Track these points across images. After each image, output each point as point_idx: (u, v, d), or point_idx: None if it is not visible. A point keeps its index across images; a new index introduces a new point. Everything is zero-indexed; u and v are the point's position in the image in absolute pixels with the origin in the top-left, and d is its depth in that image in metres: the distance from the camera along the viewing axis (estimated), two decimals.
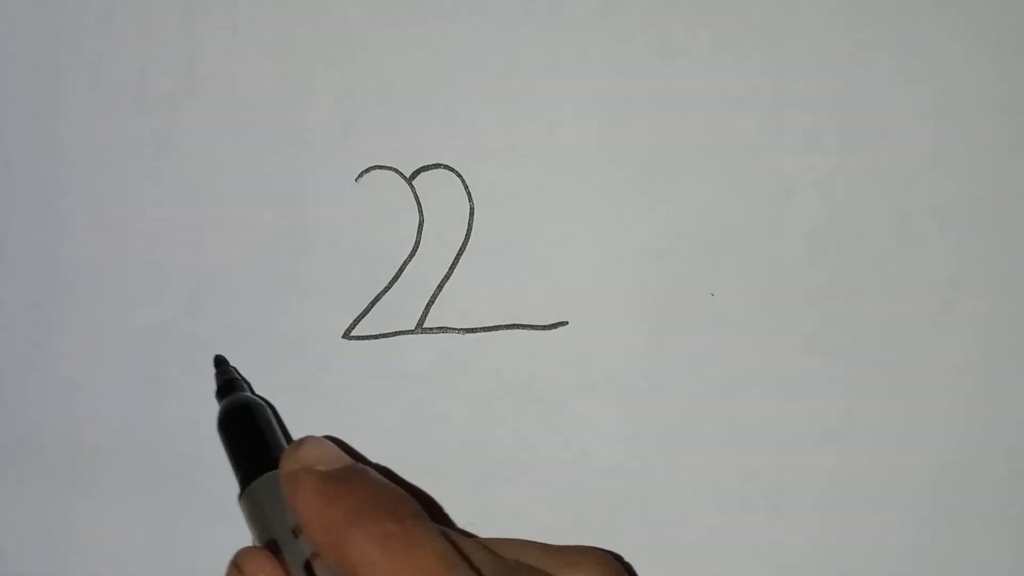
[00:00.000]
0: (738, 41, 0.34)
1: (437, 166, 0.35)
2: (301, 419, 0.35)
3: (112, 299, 0.35)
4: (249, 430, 0.32)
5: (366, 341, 0.35)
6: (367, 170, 0.35)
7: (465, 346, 0.34)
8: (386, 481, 0.28)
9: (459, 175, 0.34)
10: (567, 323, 0.34)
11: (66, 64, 0.36)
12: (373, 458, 0.34)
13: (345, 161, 0.35)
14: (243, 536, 0.35)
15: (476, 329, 0.34)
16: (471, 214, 0.35)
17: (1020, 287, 0.33)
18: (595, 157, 0.34)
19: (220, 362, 0.34)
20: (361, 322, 0.35)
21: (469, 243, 0.34)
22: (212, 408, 0.35)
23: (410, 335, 0.35)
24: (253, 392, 0.34)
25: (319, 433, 0.34)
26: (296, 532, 0.28)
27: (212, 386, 0.34)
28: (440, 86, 0.35)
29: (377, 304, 0.35)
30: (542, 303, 0.34)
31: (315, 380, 0.35)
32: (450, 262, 0.35)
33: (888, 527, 0.33)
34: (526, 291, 0.34)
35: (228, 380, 0.33)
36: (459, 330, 0.34)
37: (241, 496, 0.30)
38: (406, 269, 0.35)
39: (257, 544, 0.29)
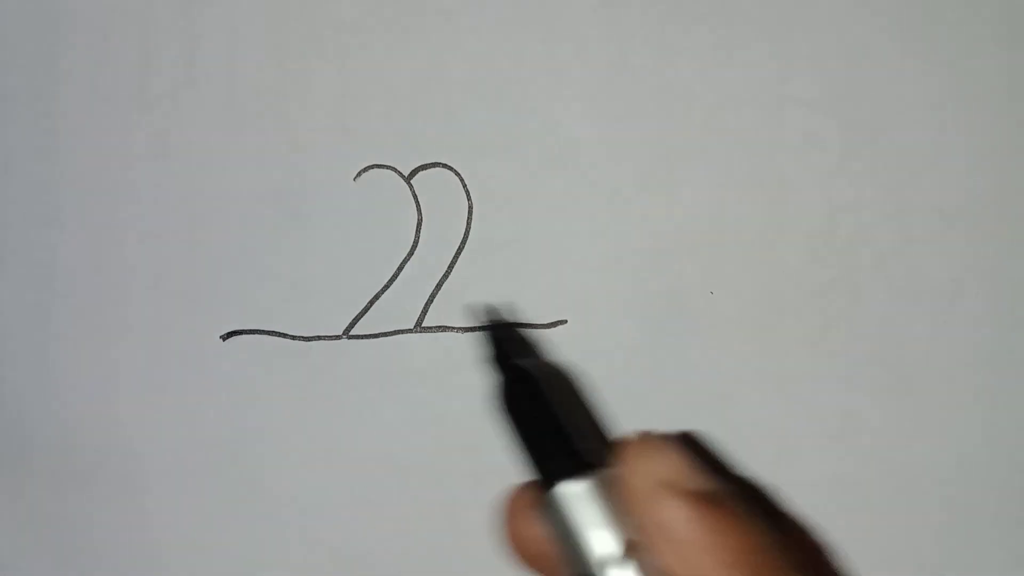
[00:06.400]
0: (738, 40, 0.34)
1: (436, 165, 0.35)
2: (301, 418, 0.35)
3: (112, 299, 0.35)
4: (547, 413, 0.26)
5: (365, 340, 0.35)
6: (365, 169, 0.35)
7: (464, 345, 0.34)
8: (761, 521, 0.23)
9: (458, 174, 0.34)
10: (566, 322, 0.34)
11: (66, 64, 0.36)
12: (373, 457, 0.34)
13: (343, 160, 0.35)
14: (241, 535, 0.35)
15: (475, 328, 0.34)
16: (470, 213, 0.34)
17: (1021, 286, 0.33)
18: (594, 156, 0.34)
19: (492, 313, 0.30)
20: (360, 321, 0.35)
21: (468, 242, 0.34)
22: (212, 408, 0.35)
23: (409, 334, 0.35)
24: (538, 356, 0.30)
25: (319, 431, 0.35)
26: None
27: (211, 385, 0.35)
28: (439, 84, 0.35)
29: (376, 303, 0.35)
30: (541, 302, 0.34)
31: (314, 379, 0.35)
32: (449, 261, 0.35)
33: (888, 527, 0.33)
34: (525, 290, 0.34)
35: (513, 340, 0.29)
36: (458, 329, 0.34)
37: (546, 495, 0.25)
38: (405, 268, 0.35)
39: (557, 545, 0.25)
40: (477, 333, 0.34)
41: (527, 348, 0.29)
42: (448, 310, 0.34)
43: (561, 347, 0.34)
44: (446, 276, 0.35)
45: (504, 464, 0.34)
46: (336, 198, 0.35)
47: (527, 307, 0.34)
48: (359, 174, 0.35)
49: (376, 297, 0.35)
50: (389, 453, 0.34)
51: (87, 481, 0.35)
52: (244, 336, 0.35)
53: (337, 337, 0.35)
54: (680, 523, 0.22)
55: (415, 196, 0.35)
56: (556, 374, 0.29)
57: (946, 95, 0.34)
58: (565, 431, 0.26)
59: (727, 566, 0.22)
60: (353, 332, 0.35)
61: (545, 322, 0.34)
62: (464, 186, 0.34)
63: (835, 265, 0.34)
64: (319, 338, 0.35)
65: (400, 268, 0.35)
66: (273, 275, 0.35)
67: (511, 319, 0.30)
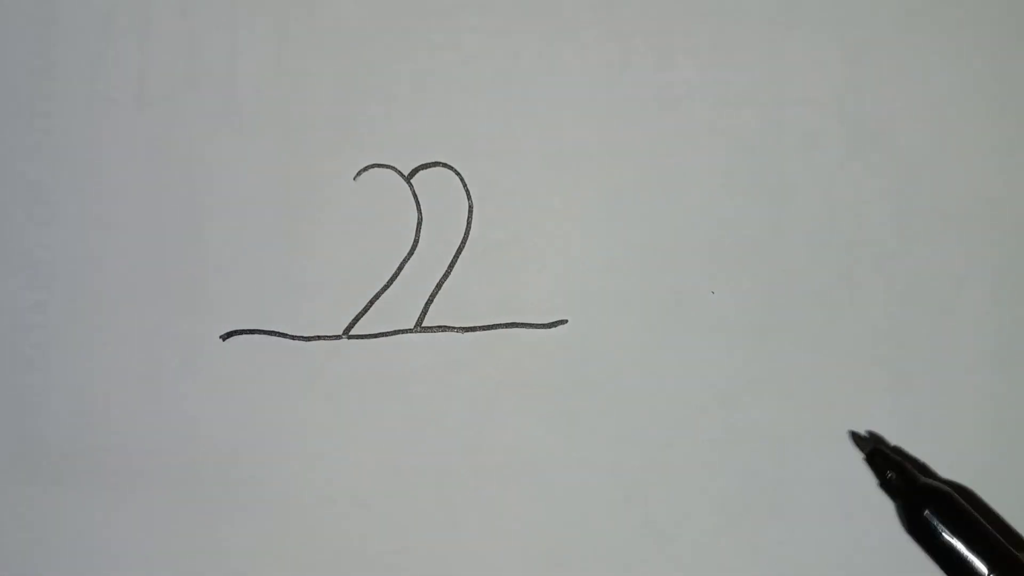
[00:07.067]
0: (738, 41, 0.34)
1: (436, 164, 0.35)
2: (301, 418, 0.35)
3: (112, 299, 0.35)
4: (976, 524, 0.30)
5: (365, 340, 0.35)
6: (365, 168, 0.35)
7: (464, 345, 0.34)
8: None
9: (458, 173, 0.34)
10: (567, 322, 0.34)
11: (65, 64, 0.36)
12: (373, 457, 0.34)
13: (343, 159, 0.35)
14: (241, 535, 0.35)
15: (475, 328, 0.34)
16: (470, 212, 0.34)
17: (1021, 286, 0.33)
18: (594, 156, 0.34)
19: (878, 441, 0.32)
20: (360, 321, 0.35)
21: (468, 242, 0.34)
22: (211, 407, 0.35)
23: (409, 334, 0.35)
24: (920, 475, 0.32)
25: (319, 431, 0.35)
26: None
27: (211, 385, 0.34)
28: (439, 84, 0.35)
29: (376, 303, 0.35)
30: (541, 302, 0.34)
31: (315, 379, 0.35)
32: (449, 261, 0.34)
33: (888, 527, 0.33)
34: (525, 290, 0.34)
35: (898, 463, 0.31)
36: (458, 329, 0.34)
37: None
38: (405, 268, 0.35)
39: None
40: (474, 333, 0.34)
41: (912, 469, 0.31)
42: (448, 310, 0.34)
43: (561, 347, 0.34)
44: (446, 276, 0.34)
45: (504, 464, 0.34)
46: (336, 198, 0.35)
47: (527, 307, 0.34)
48: (359, 173, 0.35)
49: (376, 297, 0.35)
50: (389, 453, 0.34)
51: (87, 481, 0.35)
52: (244, 336, 0.35)
53: (337, 337, 0.35)
54: None
55: (415, 196, 0.35)
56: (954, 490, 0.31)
57: (947, 95, 0.34)
58: (997, 539, 0.29)
59: None
60: (353, 332, 0.34)
61: (545, 322, 0.34)
62: (464, 186, 0.34)
63: (835, 265, 0.34)
64: (319, 338, 0.35)
65: (400, 268, 0.35)
66: (273, 275, 0.35)
67: (891, 449, 0.32)
